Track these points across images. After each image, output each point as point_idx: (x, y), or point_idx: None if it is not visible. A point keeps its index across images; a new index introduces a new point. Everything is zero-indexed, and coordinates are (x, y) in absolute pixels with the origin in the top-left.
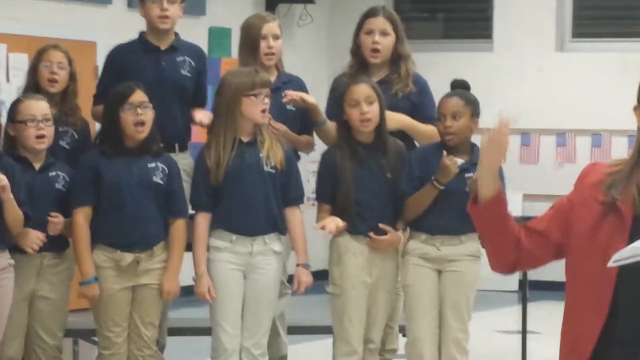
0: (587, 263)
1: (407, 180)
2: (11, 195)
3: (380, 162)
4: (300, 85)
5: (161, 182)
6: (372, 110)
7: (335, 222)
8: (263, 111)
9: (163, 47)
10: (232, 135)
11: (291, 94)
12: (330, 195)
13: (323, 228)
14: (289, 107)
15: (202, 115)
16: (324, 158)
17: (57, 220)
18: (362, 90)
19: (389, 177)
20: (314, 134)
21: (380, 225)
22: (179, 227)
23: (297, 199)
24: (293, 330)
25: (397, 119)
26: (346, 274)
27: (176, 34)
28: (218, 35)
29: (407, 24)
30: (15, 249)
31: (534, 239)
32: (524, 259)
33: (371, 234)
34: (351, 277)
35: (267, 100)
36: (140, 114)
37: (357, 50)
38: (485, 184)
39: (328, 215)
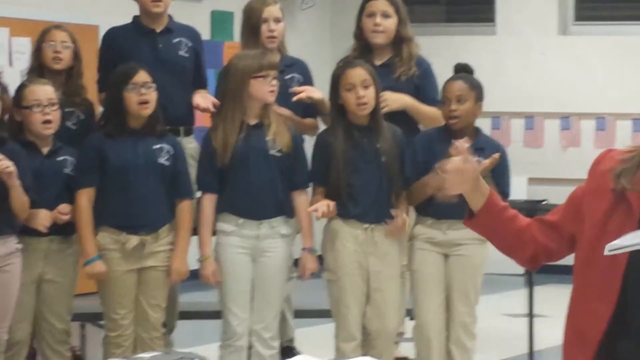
0: (597, 252)
1: (410, 166)
2: (17, 182)
3: (375, 146)
4: (303, 69)
5: (167, 163)
6: (368, 94)
7: (326, 204)
8: (271, 92)
9: (158, 29)
10: (239, 118)
11: (298, 93)
12: (324, 178)
13: (315, 211)
14: (292, 90)
15: (200, 99)
16: (318, 140)
17: (65, 212)
18: (358, 73)
19: (383, 161)
20: (319, 118)
21: (392, 211)
22: (185, 207)
23: (303, 183)
24: (300, 313)
25: (400, 99)
26: (340, 261)
27: (170, 17)
28: (220, 19)
29: (410, 7)
30: (23, 233)
31: (548, 232)
32: (542, 253)
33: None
34: (345, 264)
35: (274, 82)
36: (144, 93)
37: (360, 34)
38: (470, 199)
39: (322, 198)
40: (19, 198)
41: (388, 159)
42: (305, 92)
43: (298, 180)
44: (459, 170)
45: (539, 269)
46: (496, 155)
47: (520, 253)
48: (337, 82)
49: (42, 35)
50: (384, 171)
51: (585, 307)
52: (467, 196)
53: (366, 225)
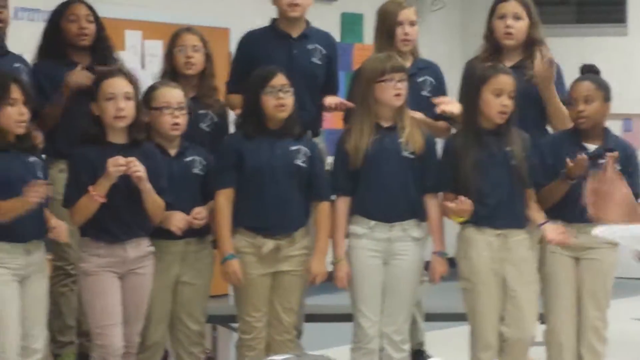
0: None
1: (540, 170)
2: (149, 185)
3: (505, 150)
4: (435, 72)
5: (304, 165)
6: (511, 105)
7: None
8: (397, 95)
9: (294, 34)
10: (369, 121)
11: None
12: (453, 182)
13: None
14: (425, 92)
15: (330, 99)
16: (447, 144)
17: (200, 217)
18: (509, 82)
19: (513, 165)
20: None
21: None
22: (323, 209)
23: (435, 186)
24: (430, 317)
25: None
26: (475, 269)
27: (307, 22)
28: (350, 21)
29: (539, 8)
30: (159, 236)
31: None
32: None
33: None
34: (480, 271)
35: (400, 84)
36: (281, 97)
37: (490, 35)
38: None
39: (452, 202)
40: (152, 201)
41: (518, 162)
42: (445, 106)
43: (430, 183)
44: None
45: None
46: (615, 153)
47: None
48: (482, 83)
49: (173, 39)
50: (513, 175)
51: None
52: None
53: (499, 231)
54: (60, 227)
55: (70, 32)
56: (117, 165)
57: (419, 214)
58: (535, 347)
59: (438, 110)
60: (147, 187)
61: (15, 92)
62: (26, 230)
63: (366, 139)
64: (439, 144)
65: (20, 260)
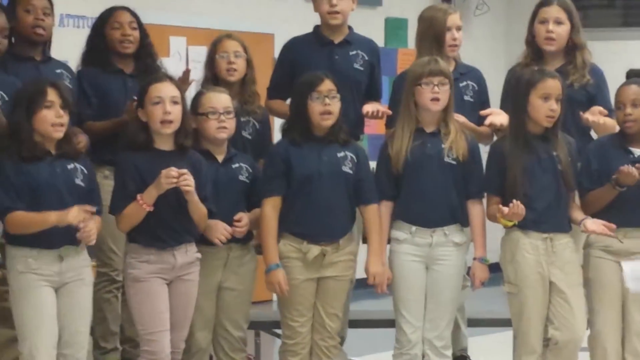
0: None
1: (585, 175)
2: (196, 197)
3: (552, 154)
4: (477, 77)
5: (350, 171)
6: (558, 109)
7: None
8: (434, 100)
9: (336, 40)
10: (410, 125)
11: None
12: (499, 187)
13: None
14: (467, 97)
15: (369, 106)
16: (493, 148)
17: (241, 224)
18: (557, 86)
19: (560, 170)
20: None
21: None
22: (373, 210)
23: (478, 191)
24: (473, 322)
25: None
26: (521, 273)
27: (350, 28)
28: (394, 26)
29: (584, 11)
30: (202, 242)
31: None
32: None
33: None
34: (526, 276)
35: (437, 88)
36: (327, 103)
37: (531, 40)
38: None
39: (498, 207)
40: (197, 210)
41: (564, 167)
42: (493, 117)
43: (473, 188)
44: None
45: None
46: None
47: None
48: (530, 87)
49: (214, 45)
50: (560, 179)
51: None
52: None
53: (545, 235)
54: (89, 229)
55: (113, 39)
56: (169, 177)
57: (460, 219)
58: (580, 352)
59: (486, 122)
60: (194, 199)
61: (52, 95)
62: (55, 236)
63: (407, 143)
64: (483, 148)
65: (53, 267)
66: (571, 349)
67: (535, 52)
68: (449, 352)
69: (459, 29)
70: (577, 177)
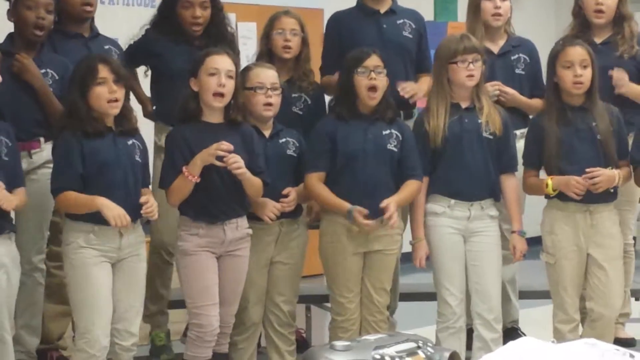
0: None
1: (637, 148)
2: (248, 174)
3: (590, 125)
4: (529, 49)
5: (395, 149)
6: (586, 74)
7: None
8: (469, 76)
9: (382, 10)
10: (445, 101)
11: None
12: (538, 160)
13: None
14: (518, 70)
15: (406, 85)
16: (532, 122)
17: (289, 199)
18: (578, 52)
19: (599, 140)
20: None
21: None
22: (412, 184)
23: (512, 165)
24: (524, 294)
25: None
26: (558, 244)
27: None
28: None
29: None
30: (254, 217)
31: None
32: None
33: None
34: (564, 247)
35: (472, 66)
36: (373, 77)
37: (578, 11)
38: None
39: (536, 179)
40: (251, 186)
41: (604, 137)
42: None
43: (507, 163)
44: None
45: None
46: None
47: None
48: (554, 59)
49: (271, 22)
50: (600, 150)
51: None
52: None
53: (585, 207)
54: (151, 204)
55: (184, 19)
56: (219, 150)
57: (495, 193)
58: (631, 323)
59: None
60: (246, 177)
61: (104, 72)
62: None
63: (444, 119)
64: None
65: (112, 242)
66: (606, 322)
67: (582, 23)
68: (499, 326)
69: None
70: (627, 150)
